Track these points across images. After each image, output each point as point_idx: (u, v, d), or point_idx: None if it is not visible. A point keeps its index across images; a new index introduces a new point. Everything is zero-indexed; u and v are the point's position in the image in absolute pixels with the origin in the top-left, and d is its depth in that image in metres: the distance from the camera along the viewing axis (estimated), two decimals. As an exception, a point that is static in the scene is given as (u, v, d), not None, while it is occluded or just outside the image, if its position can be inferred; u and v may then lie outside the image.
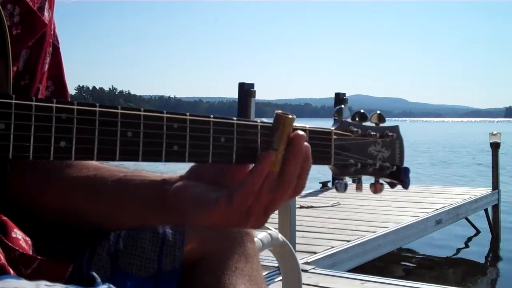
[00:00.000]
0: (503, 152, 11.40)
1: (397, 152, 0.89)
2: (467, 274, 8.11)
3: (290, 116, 0.73)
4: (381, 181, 0.88)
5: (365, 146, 0.85)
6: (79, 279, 0.78)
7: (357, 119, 0.85)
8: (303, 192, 9.67)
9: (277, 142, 0.72)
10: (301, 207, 7.60)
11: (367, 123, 0.87)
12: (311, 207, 7.94)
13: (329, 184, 10.60)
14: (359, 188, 0.87)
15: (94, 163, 0.84)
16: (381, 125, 0.88)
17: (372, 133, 0.86)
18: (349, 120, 0.85)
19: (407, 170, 0.88)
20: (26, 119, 0.59)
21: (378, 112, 0.88)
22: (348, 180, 0.86)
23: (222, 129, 0.72)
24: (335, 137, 0.81)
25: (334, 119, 0.84)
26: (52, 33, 0.84)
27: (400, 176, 0.88)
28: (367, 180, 0.88)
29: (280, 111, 0.74)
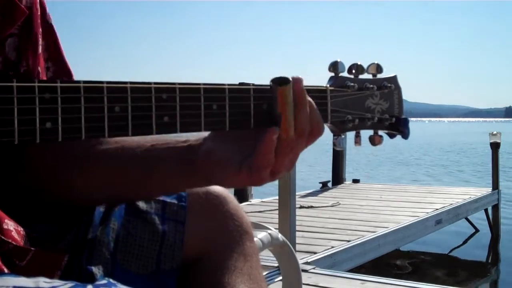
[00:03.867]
0: (503, 152, 11.39)
1: (396, 103, 0.88)
2: (467, 274, 8.11)
3: (287, 85, 0.71)
4: (380, 133, 0.87)
5: (363, 100, 0.84)
6: (79, 275, 0.78)
7: (353, 72, 0.84)
8: (303, 192, 9.54)
9: (279, 113, 0.71)
10: (301, 207, 7.59)
11: (364, 75, 0.85)
12: (311, 207, 7.94)
13: (329, 184, 10.60)
14: (357, 142, 0.86)
15: None
16: (379, 76, 0.86)
17: (369, 86, 0.84)
18: (345, 74, 0.83)
19: (406, 121, 0.87)
20: (7, 102, 0.57)
21: (376, 62, 0.86)
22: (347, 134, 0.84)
23: (213, 96, 0.70)
24: (331, 94, 0.80)
25: (330, 76, 0.82)
26: (39, 13, 0.83)
27: (399, 127, 0.87)
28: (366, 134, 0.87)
29: (275, 78, 0.72)
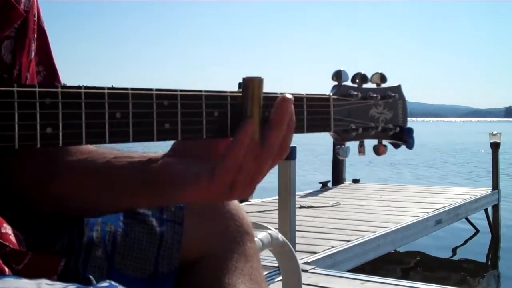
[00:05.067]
0: (503, 152, 11.39)
1: (400, 113, 0.87)
2: (467, 274, 8.11)
3: (258, 79, 0.69)
4: (384, 142, 0.87)
5: (366, 109, 0.83)
6: (75, 280, 0.78)
7: (357, 81, 0.83)
8: (303, 192, 9.53)
9: (250, 109, 0.69)
10: (301, 207, 7.59)
11: (368, 85, 0.84)
12: (311, 207, 7.94)
13: (329, 184, 10.60)
14: (361, 151, 0.85)
15: (88, 146, 0.82)
16: (383, 85, 0.86)
17: (373, 95, 0.84)
18: (348, 83, 0.82)
19: (410, 130, 0.87)
20: (8, 107, 0.57)
21: (380, 72, 0.85)
22: (350, 143, 0.84)
23: (215, 103, 0.69)
24: (334, 103, 0.79)
25: (334, 84, 0.82)
26: (35, 18, 0.83)
27: (403, 137, 0.86)
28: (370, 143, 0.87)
29: (247, 77, 0.70)
